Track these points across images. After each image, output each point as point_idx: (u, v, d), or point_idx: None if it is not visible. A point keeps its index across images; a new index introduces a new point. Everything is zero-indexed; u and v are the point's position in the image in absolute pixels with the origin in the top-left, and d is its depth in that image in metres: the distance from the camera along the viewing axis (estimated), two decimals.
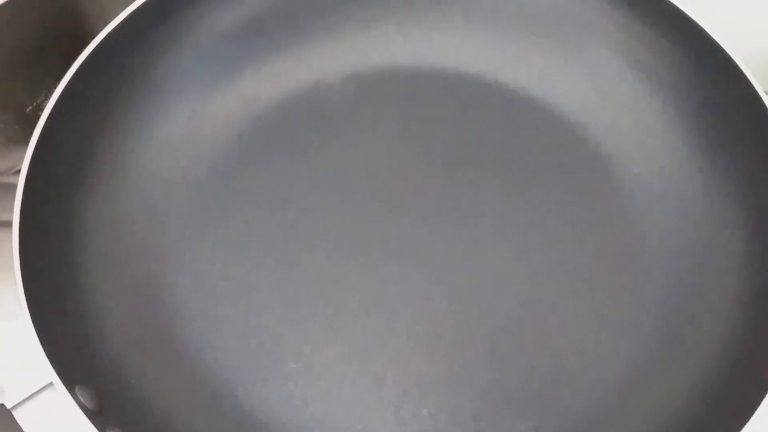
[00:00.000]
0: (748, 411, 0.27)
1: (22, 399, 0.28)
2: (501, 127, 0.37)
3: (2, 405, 0.27)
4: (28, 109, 0.35)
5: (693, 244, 0.33)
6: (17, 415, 0.27)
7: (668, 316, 0.32)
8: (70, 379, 0.26)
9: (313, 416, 0.31)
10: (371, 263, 0.33)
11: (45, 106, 0.34)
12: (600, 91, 0.36)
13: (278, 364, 0.31)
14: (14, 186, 0.37)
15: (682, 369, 0.31)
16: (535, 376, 0.31)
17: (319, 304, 0.33)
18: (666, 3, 0.34)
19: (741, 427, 0.27)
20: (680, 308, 0.32)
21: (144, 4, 0.35)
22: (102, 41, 0.33)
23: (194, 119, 0.36)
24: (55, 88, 0.33)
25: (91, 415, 0.26)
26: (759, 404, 0.27)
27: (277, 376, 0.31)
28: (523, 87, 0.37)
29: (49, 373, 0.26)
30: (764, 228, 0.32)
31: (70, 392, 0.26)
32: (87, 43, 0.34)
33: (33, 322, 0.27)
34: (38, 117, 0.33)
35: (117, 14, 0.34)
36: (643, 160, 0.35)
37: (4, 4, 0.30)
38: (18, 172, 0.37)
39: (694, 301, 0.32)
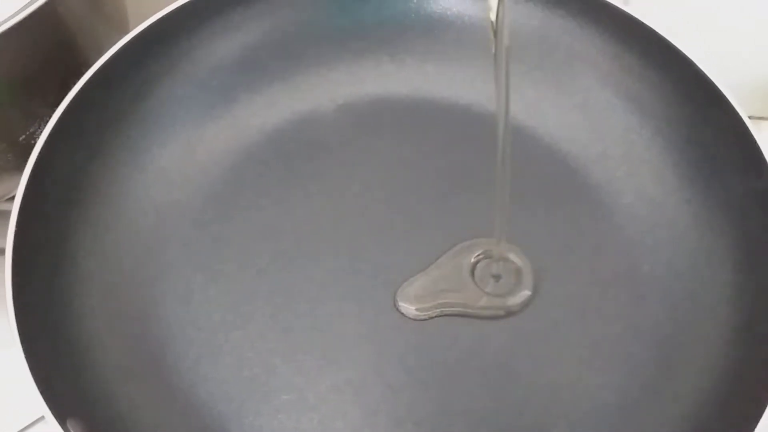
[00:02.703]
0: None
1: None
2: (492, 156, 0.37)
3: None
4: (21, 138, 0.35)
5: (684, 273, 0.33)
6: None
7: (660, 346, 0.32)
8: (61, 413, 0.26)
9: None
10: (365, 295, 0.33)
11: (38, 135, 0.34)
12: (590, 121, 0.37)
13: (271, 395, 0.31)
14: (5, 213, 0.37)
15: (675, 398, 0.31)
16: (529, 406, 0.31)
17: (313, 335, 0.33)
18: (654, 35, 0.35)
19: None
20: (672, 337, 0.32)
21: (138, 34, 0.35)
22: (97, 71, 0.34)
23: (188, 148, 0.36)
24: (50, 117, 0.33)
25: None
26: None
27: (270, 408, 0.31)
28: (515, 116, 0.37)
29: (41, 407, 0.26)
30: (753, 258, 0.32)
31: (61, 426, 0.26)
32: (82, 74, 0.34)
33: (25, 355, 0.27)
34: (31, 146, 0.33)
35: (112, 45, 0.35)
36: (633, 190, 0.35)
37: (0, 33, 0.30)
38: (9, 200, 0.37)
39: (686, 330, 0.32)
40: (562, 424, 0.31)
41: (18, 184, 0.33)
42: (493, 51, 0.26)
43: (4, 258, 0.29)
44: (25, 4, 0.31)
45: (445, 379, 0.32)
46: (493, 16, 0.26)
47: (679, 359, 0.32)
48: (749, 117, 0.33)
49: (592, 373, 0.32)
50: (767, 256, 0.31)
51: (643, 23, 0.35)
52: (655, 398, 0.31)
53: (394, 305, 0.33)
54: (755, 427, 0.27)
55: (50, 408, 0.26)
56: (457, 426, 0.31)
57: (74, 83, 0.34)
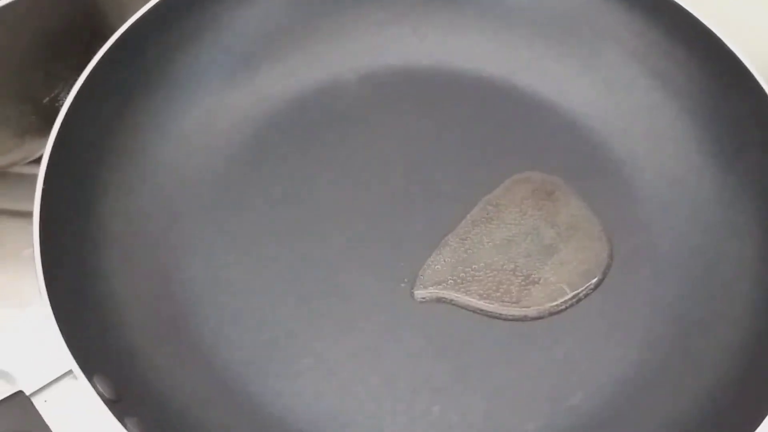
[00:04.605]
0: (758, 417, 0.27)
1: (39, 387, 0.28)
2: (514, 130, 0.37)
3: (21, 392, 0.27)
4: (44, 100, 0.35)
5: (704, 250, 0.33)
6: (35, 401, 0.27)
7: (679, 321, 0.32)
8: (89, 368, 0.27)
9: (324, 412, 0.31)
10: (384, 260, 0.34)
11: (62, 97, 0.34)
12: (614, 96, 0.37)
13: (291, 359, 0.32)
14: (28, 176, 0.37)
15: (693, 373, 0.31)
16: (546, 376, 0.32)
17: (332, 300, 0.33)
18: (682, 11, 0.35)
19: None
20: (691, 313, 0.32)
21: (163, 0, 0.35)
22: (121, 35, 0.34)
23: (211, 114, 0.36)
24: (73, 80, 0.33)
25: (110, 404, 0.26)
26: None
27: (290, 372, 0.31)
28: (537, 90, 0.37)
29: (69, 362, 0.26)
30: None
31: (89, 381, 0.26)
32: (106, 37, 0.34)
33: (53, 310, 0.27)
34: (54, 108, 0.33)
35: (136, 9, 0.35)
36: (655, 166, 0.35)
37: None
38: (30, 163, 0.37)
39: (705, 306, 0.32)
40: (579, 394, 0.31)
41: (40, 146, 0.33)
42: None
43: (32, 219, 0.30)
44: None
45: (463, 348, 0.32)
46: None
47: (698, 335, 0.32)
48: None
49: (610, 345, 0.32)
50: None
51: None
52: (672, 373, 0.31)
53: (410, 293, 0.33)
54: None
55: (78, 363, 0.26)
56: (474, 394, 0.31)
57: (98, 47, 0.34)
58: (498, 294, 0.33)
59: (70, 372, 0.26)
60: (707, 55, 0.34)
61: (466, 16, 0.38)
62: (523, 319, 0.32)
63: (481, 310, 0.32)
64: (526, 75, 0.38)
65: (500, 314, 0.32)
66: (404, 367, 0.32)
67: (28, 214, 0.30)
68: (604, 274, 0.33)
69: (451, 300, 0.33)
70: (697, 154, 0.35)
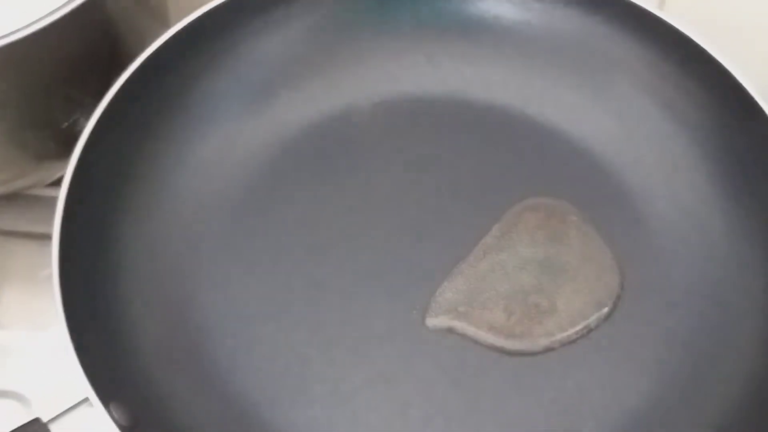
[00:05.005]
0: None
1: (56, 414, 0.29)
2: (526, 158, 0.37)
3: (38, 419, 0.27)
4: (63, 126, 0.35)
5: (714, 282, 0.34)
6: (52, 429, 0.27)
7: (690, 353, 0.32)
8: (105, 396, 0.27)
9: None
10: (397, 288, 0.34)
11: (80, 123, 0.34)
12: (626, 127, 0.37)
13: (305, 386, 0.32)
14: (45, 198, 0.38)
15: (703, 404, 0.31)
16: (558, 406, 0.32)
17: (347, 327, 0.33)
18: (693, 44, 0.35)
19: None
20: (702, 346, 0.32)
21: (182, 29, 0.36)
22: (141, 64, 0.34)
23: (228, 142, 0.37)
24: (92, 106, 0.34)
25: (126, 431, 0.27)
26: None
27: (304, 399, 0.32)
28: (550, 120, 0.38)
29: (86, 389, 0.27)
30: None
31: (105, 408, 0.26)
32: (125, 65, 0.34)
33: (70, 335, 0.28)
34: (73, 134, 0.34)
35: (154, 37, 0.35)
36: (667, 196, 0.36)
37: (48, 25, 0.31)
38: (49, 186, 0.38)
39: (716, 339, 0.32)
40: (590, 424, 0.31)
41: (57, 170, 0.33)
42: None
43: (51, 243, 0.30)
44: None
45: (476, 377, 0.32)
46: None
47: (708, 367, 0.32)
48: None
49: (621, 376, 0.32)
50: None
51: (681, 32, 0.35)
52: (683, 405, 0.31)
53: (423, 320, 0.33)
54: None
55: (95, 391, 0.27)
56: (486, 424, 0.32)
57: (117, 74, 0.34)
58: (509, 324, 0.33)
59: (86, 399, 0.26)
60: (717, 87, 0.35)
61: (481, 45, 0.39)
62: (530, 353, 0.32)
63: (492, 345, 0.33)
64: (539, 104, 0.38)
65: (509, 350, 0.32)
66: (417, 395, 0.32)
67: (45, 236, 0.31)
68: (615, 305, 0.34)
69: (462, 333, 0.33)
70: (707, 186, 0.35)
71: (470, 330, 0.33)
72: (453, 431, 0.31)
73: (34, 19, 0.30)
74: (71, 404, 0.28)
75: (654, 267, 0.34)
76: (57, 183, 0.32)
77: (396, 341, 0.33)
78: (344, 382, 0.32)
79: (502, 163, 0.37)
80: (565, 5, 0.38)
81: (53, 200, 0.31)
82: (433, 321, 0.33)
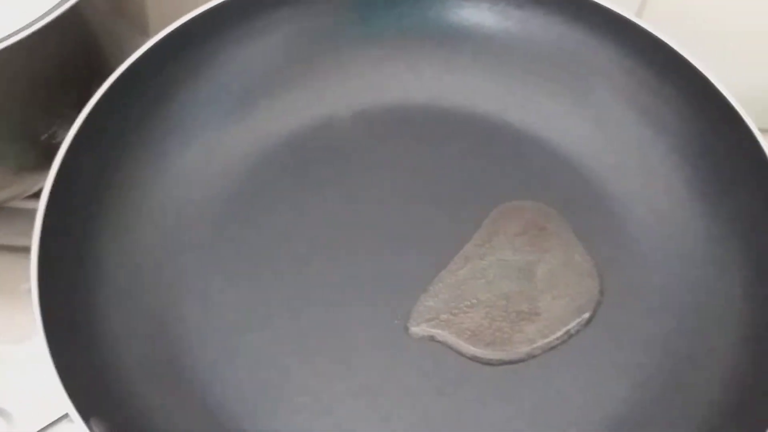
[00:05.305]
0: None
1: (38, 429, 0.28)
2: (507, 166, 0.37)
3: None
4: (42, 137, 0.35)
5: (694, 286, 0.34)
6: None
7: (670, 358, 0.33)
8: (85, 411, 0.27)
9: None
10: (379, 297, 0.34)
11: (59, 134, 0.34)
12: (605, 133, 0.37)
13: (286, 397, 0.32)
14: (24, 211, 0.38)
15: (685, 408, 0.31)
16: (540, 412, 0.32)
17: (328, 338, 0.33)
18: (671, 51, 0.35)
19: None
20: (681, 349, 0.33)
21: (162, 38, 0.36)
22: (120, 74, 0.34)
23: (209, 152, 0.37)
24: (71, 117, 0.33)
25: None
26: None
27: (285, 410, 0.32)
28: (530, 127, 0.38)
29: (66, 405, 0.26)
30: (763, 272, 0.33)
31: (86, 423, 0.26)
32: (104, 76, 0.34)
33: (50, 351, 0.28)
34: (52, 145, 0.33)
35: (134, 48, 0.35)
36: (646, 201, 0.36)
37: (27, 36, 0.31)
38: (27, 198, 0.37)
39: (696, 343, 0.33)
40: (572, 430, 0.31)
41: (36, 182, 0.33)
42: None
43: (29, 256, 0.30)
44: (52, 6, 0.31)
45: (458, 385, 0.32)
46: None
47: (688, 371, 0.32)
48: (760, 130, 0.33)
49: (603, 381, 0.32)
50: None
51: (658, 38, 0.35)
52: (664, 408, 0.32)
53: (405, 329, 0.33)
54: None
55: (75, 406, 0.26)
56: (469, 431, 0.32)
57: (97, 84, 0.34)
58: (491, 331, 0.33)
59: (66, 415, 0.26)
60: (695, 93, 0.35)
61: (461, 54, 0.39)
62: (512, 361, 0.32)
63: (473, 354, 0.33)
64: (519, 112, 0.38)
65: (490, 358, 0.33)
66: (400, 404, 0.32)
67: (24, 249, 0.30)
68: (595, 311, 0.34)
69: (444, 341, 0.33)
70: (685, 191, 0.35)
71: (451, 339, 0.33)
72: None
73: (12, 31, 0.30)
74: (53, 419, 0.28)
75: (633, 272, 0.35)
76: (36, 195, 0.32)
77: (378, 350, 0.33)
78: (326, 393, 0.32)
79: (483, 170, 0.37)
80: (545, 13, 0.38)
81: (32, 213, 0.31)
82: (416, 329, 0.33)
